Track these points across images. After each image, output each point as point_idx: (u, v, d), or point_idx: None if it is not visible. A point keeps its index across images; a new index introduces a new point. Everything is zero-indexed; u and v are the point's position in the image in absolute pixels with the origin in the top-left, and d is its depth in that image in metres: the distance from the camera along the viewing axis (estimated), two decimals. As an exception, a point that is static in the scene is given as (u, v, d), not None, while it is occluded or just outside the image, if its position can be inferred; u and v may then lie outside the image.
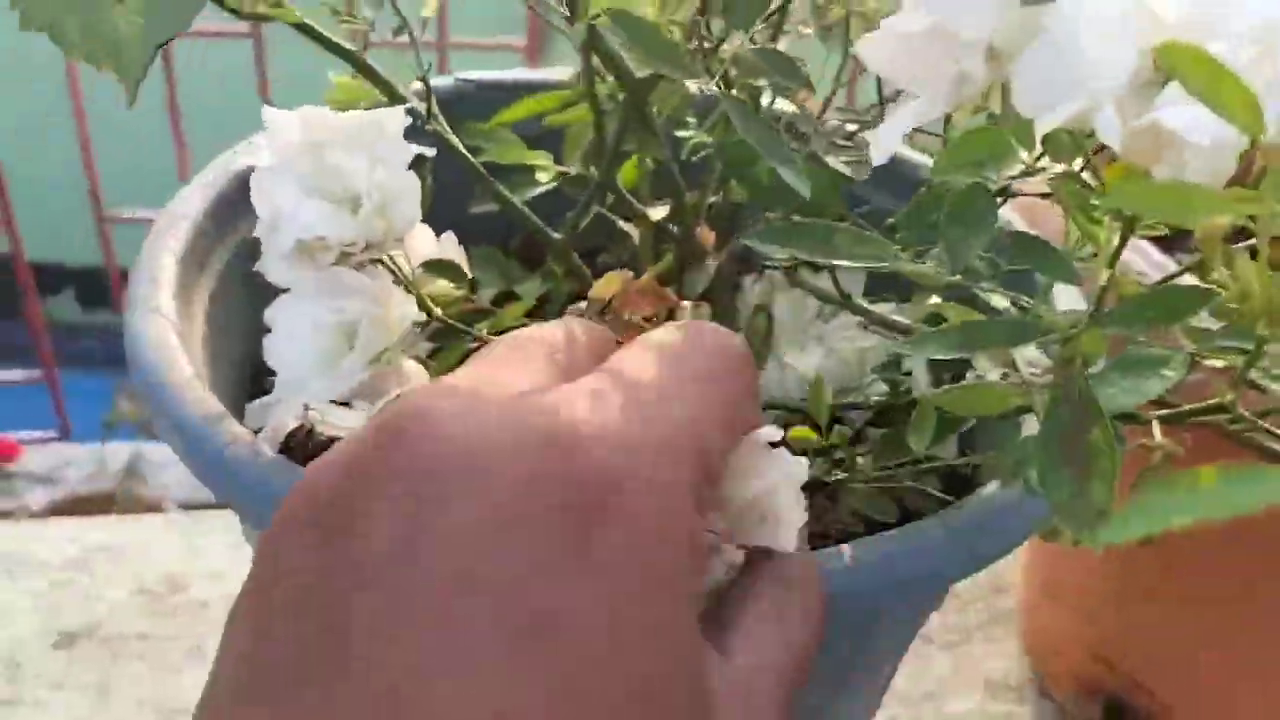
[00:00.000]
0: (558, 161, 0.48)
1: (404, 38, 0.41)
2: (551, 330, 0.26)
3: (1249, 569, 0.51)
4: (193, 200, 0.42)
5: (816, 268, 0.43)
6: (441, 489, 0.20)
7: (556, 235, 0.44)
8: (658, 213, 0.45)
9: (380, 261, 0.34)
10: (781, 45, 0.45)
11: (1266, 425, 0.28)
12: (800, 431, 0.39)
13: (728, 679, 0.23)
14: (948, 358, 0.27)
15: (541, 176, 0.44)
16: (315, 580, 0.20)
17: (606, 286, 0.32)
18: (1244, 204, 0.19)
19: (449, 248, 0.39)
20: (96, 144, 1.05)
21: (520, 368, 0.24)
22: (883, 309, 0.44)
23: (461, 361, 0.37)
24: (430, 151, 0.36)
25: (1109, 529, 0.19)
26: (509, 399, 0.22)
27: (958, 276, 0.29)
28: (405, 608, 0.19)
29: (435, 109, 0.42)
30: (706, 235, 0.46)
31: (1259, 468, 0.20)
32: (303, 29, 0.38)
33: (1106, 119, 0.20)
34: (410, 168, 0.35)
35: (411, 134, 0.38)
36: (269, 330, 0.35)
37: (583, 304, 0.33)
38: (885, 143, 0.25)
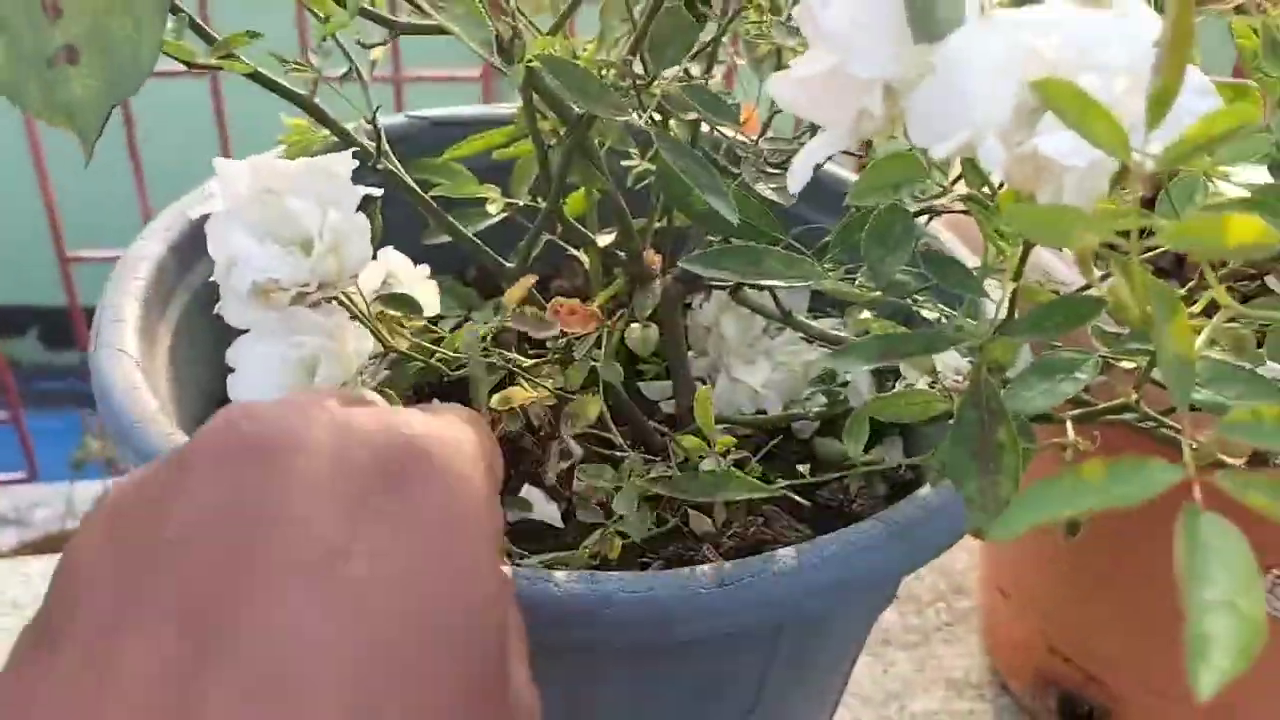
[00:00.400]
0: (508, 193, 0.50)
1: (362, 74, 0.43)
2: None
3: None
4: (153, 243, 0.43)
5: (760, 286, 0.45)
6: (260, 456, 0.24)
7: (509, 265, 0.46)
8: (605, 239, 0.47)
9: (335, 298, 0.35)
10: (717, 75, 0.47)
11: (1168, 421, 0.30)
12: (692, 441, 0.41)
13: None
14: (868, 368, 0.29)
15: (491, 209, 0.46)
16: (137, 542, 0.23)
17: (514, 294, 0.35)
18: (1114, 222, 0.21)
19: (409, 273, 0.41)
20: (56, 185, 1.05)
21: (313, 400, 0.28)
22: (824, 324, 0.46)
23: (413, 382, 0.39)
24: (378, 191, 0.37)
25: (1004, 520, 0.21)
26: (318, 407, 0.26)
27: (879, 292, 0.31)
28: (220, 549, 0.23)
29: (386, 147, 0.43)
30: (653, 259, 0.48)
31: (1141, 461, 0.21)
32: (255, 78, 0.40)
33: (988, 148, 0.22)
34: (360, 207, 0.36)
35: (365, 171, 0.40)
36: (232, 370, 0.37)
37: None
38: (799, 174, 0.27)
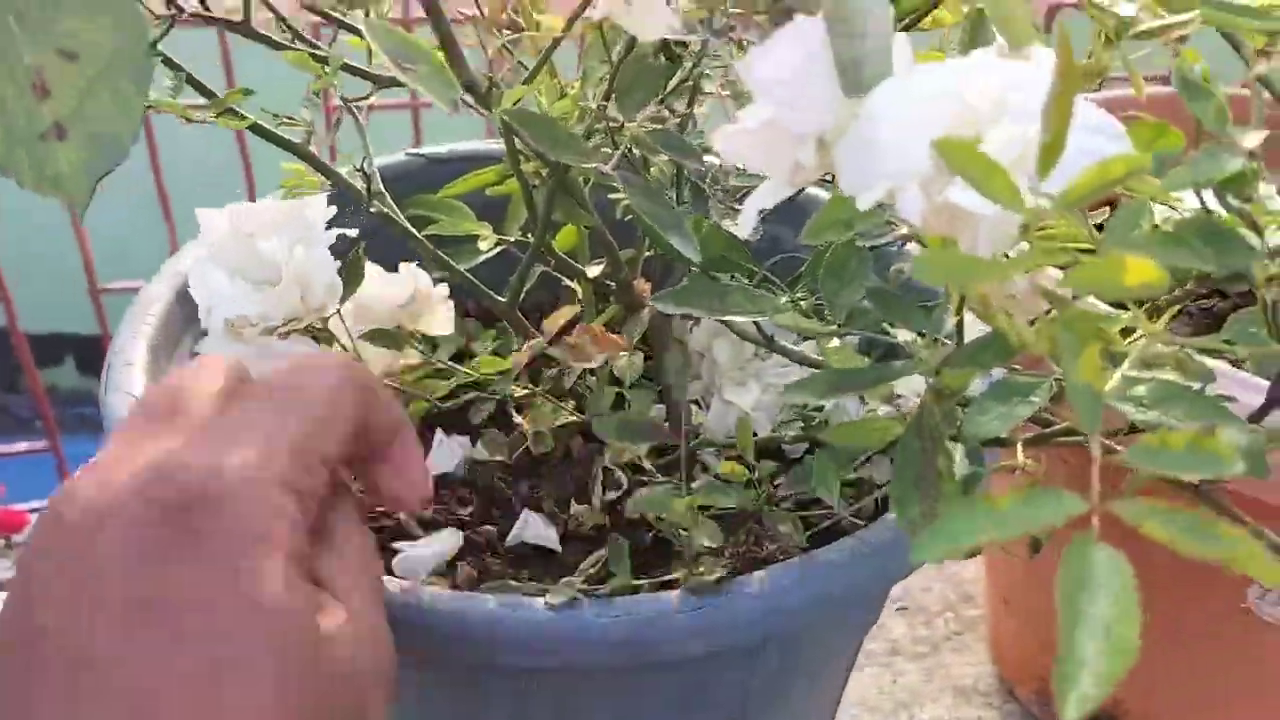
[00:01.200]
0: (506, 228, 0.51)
1: (389, 98, 0.45)
2: (162, 390, 0.34)
3: (1181, 572, 0.54)
4: (161, 289, 0.46)
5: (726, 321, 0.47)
6: (77, 538, 0.29)
7: (501, 299, 0.47)
8: (595, 270, 0.48)
9: (316, 337, 0.37)
10: (700, 110, 0.49)
11: (1113, 444, 0.31)
12: (728, 465, 0.42)
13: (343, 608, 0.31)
14: (818, 403, 0.30)
15: (483, 245, 0.48)
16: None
17: (550, 324, 0.42)
18: (1009, 270, 0.22)
19: (430, 292, 0.43)
20: (87, 220, 1.08)
21: (143, 431, 0.32)
22: (806, 347, 0.47)
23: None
24: (353, 232, 0.40)
25: (919, 547, 0.22)
26: (127, 459, 0.30)
27: (835, 326, 0.32)
28: (67, 624, 0.28)
29: (380, 188, 0.45)
30: (642, 287, 0.49)
31: (1052, 491, 0.23)
32: (254, 129, 0.42)
33: (905, 199, 0.24)
34: (347, 247, 0.38)
35: (361, 211, 0.42)
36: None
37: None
38: (747, 219, 0.28)
